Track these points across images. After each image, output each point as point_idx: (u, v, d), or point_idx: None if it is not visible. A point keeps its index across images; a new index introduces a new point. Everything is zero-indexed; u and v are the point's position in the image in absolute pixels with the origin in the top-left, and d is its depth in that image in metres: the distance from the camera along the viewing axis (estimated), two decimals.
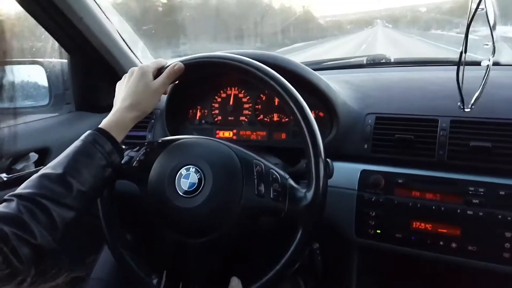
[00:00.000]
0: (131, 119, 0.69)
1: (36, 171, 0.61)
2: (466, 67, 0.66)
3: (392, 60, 1.33)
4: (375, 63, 1.32)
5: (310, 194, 0.61)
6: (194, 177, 0.63)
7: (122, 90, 0.71)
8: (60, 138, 1.03)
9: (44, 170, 0.60)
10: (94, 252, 1.15)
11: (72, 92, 1.18)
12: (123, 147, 0.70)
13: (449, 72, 1.02)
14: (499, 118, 0.77)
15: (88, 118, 1.17)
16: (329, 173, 0.64)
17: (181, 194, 0.63)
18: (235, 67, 0.68)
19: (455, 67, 1.08)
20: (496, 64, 0.97)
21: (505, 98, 0.80)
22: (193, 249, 0.70)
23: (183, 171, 0.64)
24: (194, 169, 0.64)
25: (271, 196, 0.62)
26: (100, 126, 0.66)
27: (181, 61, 0.72)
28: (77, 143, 0.64)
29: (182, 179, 0.64)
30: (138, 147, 0.74)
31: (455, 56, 1.19)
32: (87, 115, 1.18)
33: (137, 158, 0.72)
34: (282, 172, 0.65)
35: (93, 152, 0.63)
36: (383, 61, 1.33)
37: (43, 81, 1.17)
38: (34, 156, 0.99)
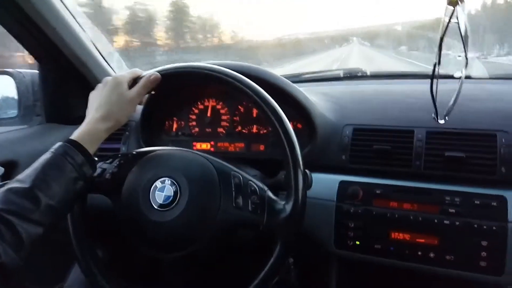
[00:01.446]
0: (104, 130, 0.66)
1: (2, 185, 0.57)
2: (439, 80, 0.67)
3: (368, 74, 1.35)
4: (352, 76, 1.34)
5: (289, 206, 0.60)
6: (169, 190, 0.61)
7: (96, 100, 0.69)
8: (29, 151, 0.99)
9: (11, 183, 0.57)
10: (64, 270, 1.09)
11: (43, 103, 1.13)
12: (96, 159, 0.68)
13: (423, 85, 1.05)
14: (472, 128, 0.79)
15: (59, 130, 1.12)
16: (308, 184, 0.63)
17: (156, 207, 0.61)
18: (213, 77, 0.67)
19: (429, 80, 1.12)
20: (467, 77, 1.00)
21: (477, 110, 0.82)
22: (168, 264, 0.67)
23: (158, 183, 0.62)
24: (169, 181, 0.62)
25: (250, 208, 0.61)
26: (71, 137, 0.64)
27: (158, 71, 0.70)
28: (46, 155, 0.61)
29: (157, 192, 0.62)
30: (111, 159, 0.71)
31: (427, 70, 1.24)
32: (58, 127, 1.14)
33: (110, 171, 0.69)
34: (260, 184, 0.64)
35: (63, 164, 0.60)
36: (359, 74, 1.36)
37: (12, 92, 1.12)
38: (0, 170, 0.94)
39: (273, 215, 0.61)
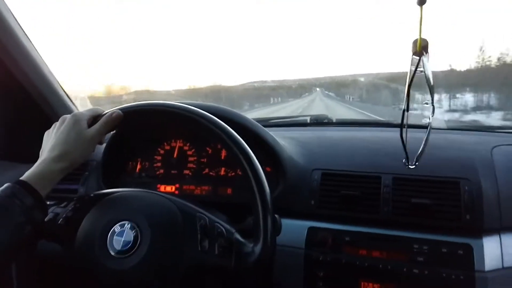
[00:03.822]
0: (59, 171, 0.62)
1: None
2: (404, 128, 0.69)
3: (334, 120, 1.39)
4: (318, 122, 1.38)
5: (258, 249, 0.57)
6: (129, 235, 0.56)
7: (51, 138, 0.65)
8: None
9: None
10: None
11: None
12: (48, 202, 0.62)
13: (387, 133, 1.09)
14: (436, 176, 0.80)
15: (12, 168, 1.04)
16: (277, 228, 0.61)
17: (113, 254, 0.56)
18: (180, 115, 0.65)
19: (393, 128, 1.16)
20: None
21: (440, 157, 0.84)
22: None
23: (116, 228, 0.57)
24: (129, 225, 0.57)
25: (216, 252, 0.57)
26: (21, 178, 0.59)
27: (119, 109, 0.68)
28: None
29: (115, 237, 0.56)
30: (65, 203, 0.66)
31: (392, 120, 1.29)
32: (10, 165, 1.06)
33: (64, 215, 0.64)
34: (228, 226, 0.61)
35: (10, 207, 0.55)
36: (326, 121, 1.40)
37: None
38: None
39: (242, 258, 0.57)
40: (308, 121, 1.36)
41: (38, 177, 0.59)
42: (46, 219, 0.62)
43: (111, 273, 0.55)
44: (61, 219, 0.63)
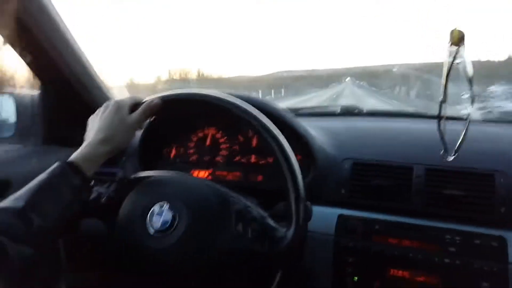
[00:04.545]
0: (104, 153, 0.66)
1: None
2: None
3: (364, 111, 1.38)
4: (348, 112, 1.36)
5: (290, 234, 0.58)
6: (167, 215, 0.59)
7: (96, 123, 0.69)
8: (23, 171, 0.96)
9: (4, 203, 0.56)
10: None
11: (40, 124, 1.12)
12: (92, 182, 0.66)
13: (419, 124, 1.07)
14: (470, 168, 0.79)
15: (55, 152, 1.11)
16: (308, 215, 0.62)
17: (152, 233, 0.59)
18: (215, 104, 0.67)
19: (425, 120, 1.14)
20: (460, 119, 1.02)
21: (475, 150, 0.83)
22: None
23: (156, 208, 0.60)
24: (168, 206, 0.60)
25: (250, 235, 0.59)
26: (69, 159, 0.63)
27: (159, 97, 0.71)
28: (42, 176, 0.60)
29: (154, 217, 0.60)
30: (108, 183, 0.70)
31: (424, 111, 1.26)
32: (53, 149, 1.12)
33: (107, 195, 0.68)
34: (261, 211, 0.63)
35: (59, 186, 0.59)
36: (356, 111, 1.38)
37: (9, 111, 1.12)
38: None
39: (274, 242, 0.59)
40: (338, 111, 1.35)
41: (84, 159, 0.63)
42: (90, 198, 0.66)
43: (150, 251, 0.58)
44: (104, 199, 0.67)
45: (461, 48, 0.53)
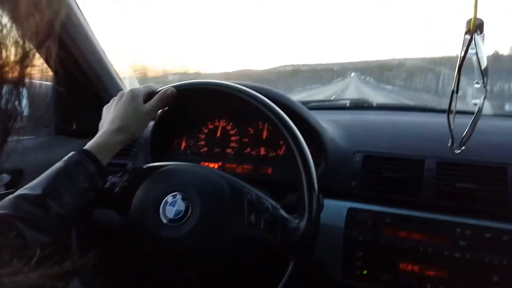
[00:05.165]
0: (119, 142, 0.66)
1: (7, 194, 0.56)
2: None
3: (374, 105, 1.37)
4: (358, 106, 1.36)
5: (303, 225, 0.59)
6: (180, 205, 0.60)
7: (111, 112, 0.69)
8: (36, 160, 0.98)
9: (21, 190, 0.56)
10: None
11: (53, 115, 1.14)
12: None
13: (430, 118, 1.07)
14: (482, 161, 0.79)
15: (67, 143, 1.12)
16: (321, 205, 0.63)
17: (165, 222, 0.59)
18: (230, 94, 0.67)
19: (436, 113, 1.13)
20: (470, 113, 1.01)
21: (486, 143, 0.82)
22: (177, 283, 0.65)
23: (169, 198, 0.61)
24: (181, 196, 0.60)
25: (262, 226, 0.60)
26: (85, 147, 0.63)
27: (174, 86, 0.71)
28: (59, 164, 0.60)
29: (167, 207, 0.60)
30: (121, 173, 0.71)
31: (434, 105, 1.25)
32: (66, 140, 1.13)
33: (120, 184, 0.68)
34: (273, 202, 0.63)
35: (76, 174, 0.59)
36: (366, 105, 1.38)
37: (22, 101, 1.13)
38: (5, 177, 0.93)
39: (287, 233, 0.59)
40: (348, 104, 1.35)
41: (99, 147, 0.63)
42: (104, 188, 0.67)
43: (163, 240, 0.59)
44: (117, 188, 0.68)
45: (477, 37, 0.52)
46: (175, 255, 0.60)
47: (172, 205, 0.60)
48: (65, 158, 0.61)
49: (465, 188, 0.76)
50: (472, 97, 0.65)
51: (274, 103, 0.66)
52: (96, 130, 0.69)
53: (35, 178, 0.58)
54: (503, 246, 0.71)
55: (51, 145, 1.09)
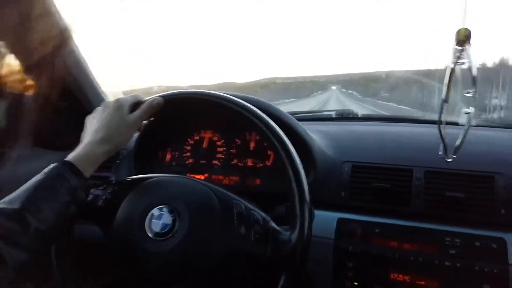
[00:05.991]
0: (103, 153, 0.64)
1: None
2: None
3: (359, 115, 1.39)
4: (344, 117, 1.37)
5: (295, 236, 0.57)
6: (167, 218, 0.57)
7: (95, 122, 0.67)
8: (12, 174, 0.93)
9: None
10: None
11: (30, 127, 1.09)
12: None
13: (416, 128, 1.08)
14: (470, 170, 0.80)
15: (45, 155, 1.07)
16: (313, 216, 0.61)
17: (151, 236, 0.57)
18: (218, 104, 0.66)
19: (421, 124, 1.15)
20: (455, 124, 1.03)
21: (474, 152, 0.83)
22: None
23: (155, 211, 0.58)
24: (167, 209, 0.58)
25: (253, 238, 0.58)
26: (66, 159, 0.61)
27: (161, 96, 0.69)
28: (39, 176, 0.57)
29: (153, 220, 0.57)
30: (105, 186, 0.68)
31: (419, 116, 1.27)
32: (43, 152, 1.09)
33: (103, 197, 0.65)
34: (263, 214, 0.61)
35: (57, 187, 0.57)
36: (351, 116, 1.39)
37: None
38: None
39: (278, 246, 0.58)
40: (333, 115, 1.35)
41: (82, 159, 0.61)
42: (87, 201, 0.64)
43: (149, 255, 0.56)
44: (101, 201, 0.65)
45: (467, 47, 0.53)
46: (161, 271, 0.57)
47: (158, 219, 0.58)
48: (46, 170, 0.58)
49: (454, 197, 0.77)
50: (459, 107, 0.66)
51: (264, 113, 0.65)
52: (76, 143, 0.66)
53: (13, 192, 0.55)
54: (492, 254, 0.71)
55: (27, 157, 1.05)
